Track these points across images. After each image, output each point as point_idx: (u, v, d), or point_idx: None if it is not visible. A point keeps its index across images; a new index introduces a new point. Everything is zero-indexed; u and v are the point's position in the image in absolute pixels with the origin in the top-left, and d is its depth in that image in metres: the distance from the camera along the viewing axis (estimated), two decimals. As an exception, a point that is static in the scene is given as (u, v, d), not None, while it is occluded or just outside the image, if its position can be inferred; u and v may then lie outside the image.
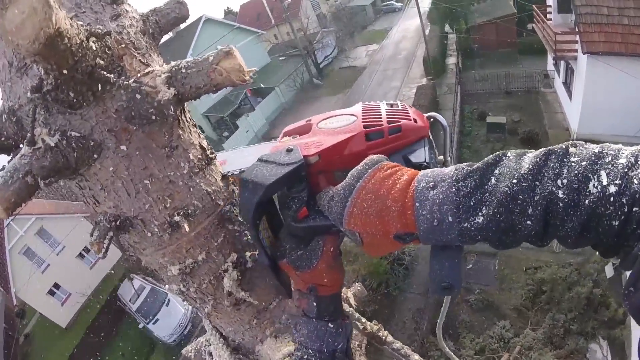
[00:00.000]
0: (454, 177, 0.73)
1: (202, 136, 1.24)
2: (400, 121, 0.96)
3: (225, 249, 1.26)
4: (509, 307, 13.03)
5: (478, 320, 12.91)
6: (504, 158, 0.72)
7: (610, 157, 0.63)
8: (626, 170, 0.60)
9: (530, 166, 0.67)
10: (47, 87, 0.84)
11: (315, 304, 1.03)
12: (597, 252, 0.70)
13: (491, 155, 0.74)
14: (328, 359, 1.00)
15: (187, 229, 1.12)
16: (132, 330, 20.74)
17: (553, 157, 0.67)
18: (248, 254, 1.31)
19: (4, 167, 0.91)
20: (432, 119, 1.07)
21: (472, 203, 0.69)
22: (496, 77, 24.93)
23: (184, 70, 0.97)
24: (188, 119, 1.17)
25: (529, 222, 0.65)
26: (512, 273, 13.81)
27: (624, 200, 0.59)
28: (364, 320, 1.89)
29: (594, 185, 0.61)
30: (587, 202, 0.61)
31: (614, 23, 15.13)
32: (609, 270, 12.65)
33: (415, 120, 0.98)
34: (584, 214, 0.62)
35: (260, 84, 32.12)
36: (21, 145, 0.99)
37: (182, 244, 1.17)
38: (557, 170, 0.65)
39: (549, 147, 0.69)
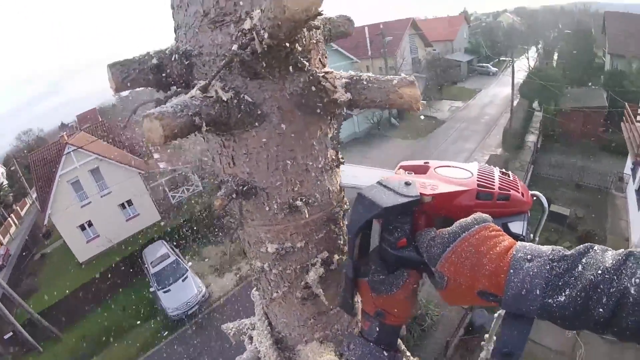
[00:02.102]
0: (550, 257, 0.79)
1: (336, 140, 1.32)
2: (510, 191, 1.02)
3: (322, 245, 1.34)
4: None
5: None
6: (591, 250, 0.78)
7: None
8: None
9: (613, 262, 0.75)
10: (252, 50, 0.92)
11: (377, 329, 1.08)
12: None
13: (582, 245, 0.81)
14: None
15: (307, 215, 1.21)
16: (141, 291, 21.26)
17: (632, 258, 0.74)
18: (337, 256, 1.38)
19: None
20: (535, 197, 1.13)
21: (560, 283, 0.76)
22: (571, 168, 24.18)
23: (364, 82, 1.09)
24: (338, 124, 1.27)
25: (601, 310, 0.72)
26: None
27: None
28: (403, 348, 1.91)
29: None
30: None
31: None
32: None
33: (522, 194, 1.04)
34: None
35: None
36: (175, 87, 1.10)
37: (290, 227, 1.26)
38: (634, 270, 0.72)
39: (630, 249, 0.76)
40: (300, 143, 1.14)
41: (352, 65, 37.12)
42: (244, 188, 1.16)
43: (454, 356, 13.59)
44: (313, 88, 1.05)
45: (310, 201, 1.23)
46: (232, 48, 0.93)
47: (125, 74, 1.09)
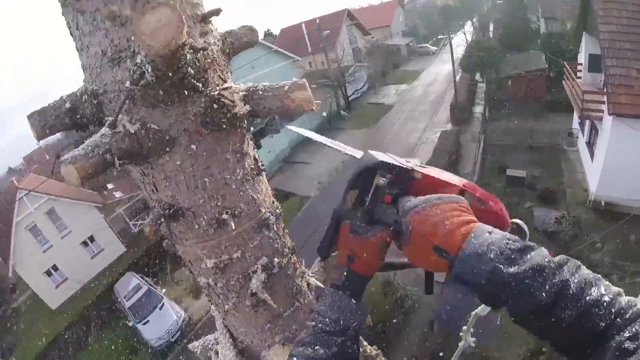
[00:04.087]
0: (507, 235, 0.92)
1: (255, 149, 1.38)
2: (488, 202, 1.15)
3: (259, 252, 1.39)
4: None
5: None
6: (539, 249, 0.90)
7: (606, 282, 0.86)
8: (617, 292, 0.83)
9: (558, 259, 0.88)
10: (145, 82, 0.95)
11: (345, 273, 1.17)
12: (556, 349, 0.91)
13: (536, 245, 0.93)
14: (341, 331, 1.07)
15: (233, 227, 1.26)
16: (120, 328, 20.71)
17: (571, 262, 0.88)
18: (277, 260, 1.44)
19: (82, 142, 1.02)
20: (514, 225, 1.24)
21: (512, 257, 0.86)
22: (520, 131, 24.98)
23: (260, 92, 1.14)
24: (247, 133, 1.33)
25: (544, 295, 0.82)
26: (516, 330, 13.49)
27: (613, 310, 0.79)
28: (365, 343, 1.97)
29: (594, 290, 0.82)
30: (587, 298, 0.81)
31: (642, 85, 15.05)
32: None
33: (500, 210, 1.17)
34: (583, 306, 0.81)
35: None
36: (91, 126, 1.15)
37: (223, 240, 1.30)
38: (574, 270, 0.86)
39: (568, 257, 0.90)
40: (214, 159, 1.19)
41: (293, 64, 37.03)
42: (170, 211, 1.20)
43: (439, 331, 13.88)
44: (215, 106, 1.10)
45: (236, 213, 1.27)
46: (126, 84, 0.97)
47: (44, 121, 1.12)
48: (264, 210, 1.38)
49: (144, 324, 18.72)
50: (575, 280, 0.83)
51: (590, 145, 20.27)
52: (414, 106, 36.95)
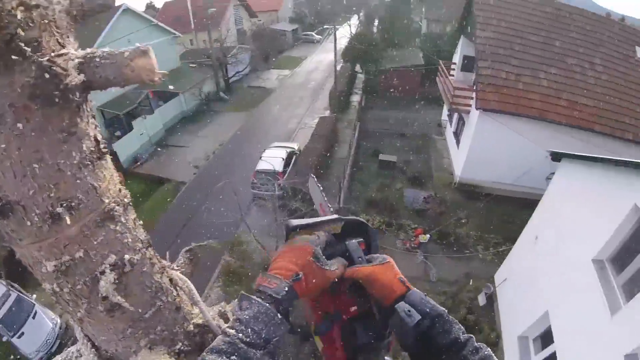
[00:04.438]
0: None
1: (98, 129, 1.16)
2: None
3: (105, 249, 1.18)
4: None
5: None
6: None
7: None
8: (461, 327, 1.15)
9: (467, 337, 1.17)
10: None
11: (286, 289, 1.12)
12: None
13: None
14: (262, 344, 1.01)
15: (68, 221, 1.04)
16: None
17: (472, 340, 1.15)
18: (128, 256, 1.24)
19: None
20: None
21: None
22: (394, 120, 26.52)
23: (98, 60, 0.95)
24: (89, 109, 1.10)
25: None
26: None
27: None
28: None
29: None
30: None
31: (509, 86, 17.07)
32: (481, 299, 13.87)
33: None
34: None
35: (169, 86, 30.74)
36: None
37: (61, 238, 1.08)
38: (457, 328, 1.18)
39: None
40: (45, 141, 0.96)
41: (173, 40, 35.15)
42: (-2, 205, 0.98)
43: None
44: (46, 75, 0.89)
45: (73, 205, 1.06)
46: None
47: None
48: (107, 201, 1.16)
49: (19, 337, 16.41)
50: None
51: (457, 134, 22.36)
52: (295, 92, 37.40)
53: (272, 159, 19.39)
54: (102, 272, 1.18)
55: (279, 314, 1.08)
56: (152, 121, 27.83)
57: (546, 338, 9.96)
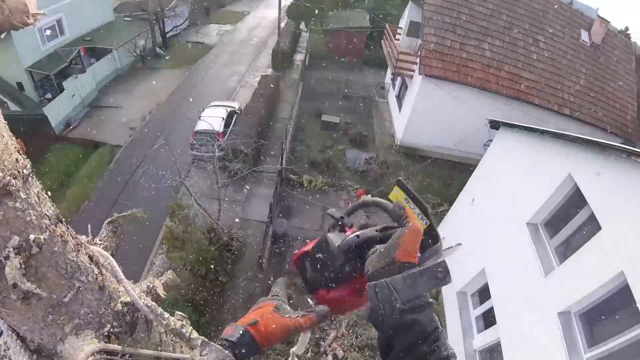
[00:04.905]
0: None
1: None
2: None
3: (5, 230, 1.00)
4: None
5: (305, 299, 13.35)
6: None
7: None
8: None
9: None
10: None
11: (241, 332, 1.13)
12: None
13: None
14: None
15: None
16: None
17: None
18: (33, 236, 1.05)
19: None
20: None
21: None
22: (338, 82, 26.42)
23: None
24: None
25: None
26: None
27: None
28: (167, 315, 1.74)
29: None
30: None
31: (453, 54, 17.42)
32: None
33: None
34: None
35: (100, 43, 28.76)
36: None
37: None
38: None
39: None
40: None
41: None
42: None
43: (269, 266, 14.34)
44: None
45: None
46: None
47: None
48: (1, 175, 0.95)
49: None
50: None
51: (399, 98, 22.65)
52: (236, 48, 36.12)
53: (212, 118, 18.80)
54: (7, 257, 1.00)
55: (234, 357, 1.10)
56: (83, 81, 25.77)
57: (483, 294, 10.58)
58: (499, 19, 18.76)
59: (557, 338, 6.81)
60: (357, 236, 1.33)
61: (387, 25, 25.05)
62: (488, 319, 10.01)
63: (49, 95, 24.50)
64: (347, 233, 1.38)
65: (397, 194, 1.45)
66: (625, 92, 18.90)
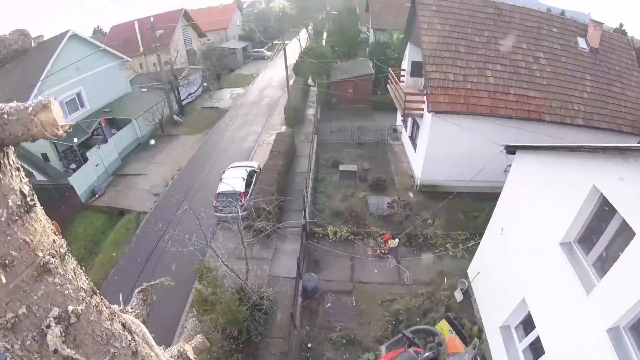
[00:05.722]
0: None
1: (24, 181, 1.10)
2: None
3: (46, 302, 1.14)
4: (370, 339, 13.39)
5: (341, 356, 13.02)
6: None
7: None
8: None
9: None
10: None
11: None
12: None
13: None
14: None
15: (3, 280, 0.97)
16: None
17: None
18: (71, 308, 1.15)
19: None
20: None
21: None
22: (350, 129, 26.79)
23: (5, 116, 0.93)
24: (11, 162, 1.01)
25: None
26: (369, 307, 14.47)
27: None
28: None
29: None
30: None
31: (458, 87, 17.63)
32: (458, 295, 14.04)
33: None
34: None
35: (120, 114, 30.12)
36: None
37: (2, 296, 1.04)
38: None
39: None
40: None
41: (122, 65, 34.37)
42: None
43: (302, 323, 14.08)
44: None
45: (7, 262, 1.01)
46: None
47: None
48: (41, 254, 1.11)
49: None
50: None
51: (413, 138, 22.79)
52: (249, 109, 37.47)
53: (233, 179, 19.18)
54: (48, 326, 1.12)
55: None
56: (106, 150, 26.89)
57: (527, 324, 10.20)
58: (496, 44, 19.00)
59: (610, 356, 6.47)
60: (433, 353, 1.52)
61: (390, 69, 25.60)
62: (536, 350, 9.59)
63: (73, 166, 25.58)
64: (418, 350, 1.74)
65: (443, 326, 1.89)
66: (633, 89, 18.67)
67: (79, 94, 28.60)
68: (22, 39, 1.07)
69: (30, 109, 0.90)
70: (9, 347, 1.13)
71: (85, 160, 25.22)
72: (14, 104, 0.92)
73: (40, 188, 23.50)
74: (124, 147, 29.27)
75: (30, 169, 23.26)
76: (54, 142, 25.48)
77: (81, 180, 24.00)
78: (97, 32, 65.04)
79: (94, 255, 20.07)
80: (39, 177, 24.31)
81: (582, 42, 19.68)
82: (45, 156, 25.49)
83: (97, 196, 24.42)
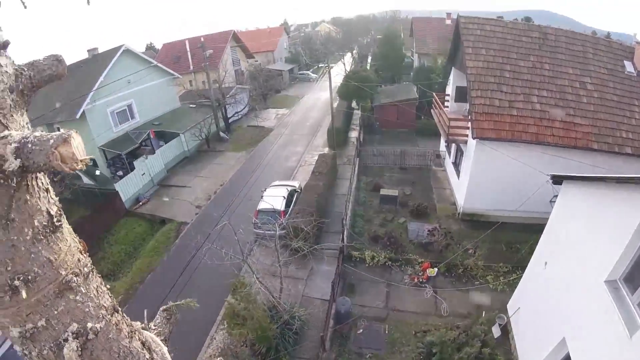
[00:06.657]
0: None
1: (52, 201, 1.18)
2: None
3: (66, 317, 1.21)
4: (400, 370, 13.03)
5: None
6: None
7: None
8: None
9: None
10: None
11: None
12: None
13: None
14: None
15: (24, 295, 1.07)
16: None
17: None
18: (90, 324, 1.22)
19: None
20: None
21: None
22: (392, 154, 26.66)
23: (30, 145, 0.99)
24: (39, 185, 1.10)
25: None
26: (402, 337, 14.12)
27: None
28: None
29: None
30: None
31: (503, 113, 17.20)
32: (495, 331, 13.50)
33: None
34: None
35: (168, 128, 31.38)
36: None
37: (23, 307, 1.13)
38: None
39: None
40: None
41: (172, 81, 35.90)
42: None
43: (332, 347, 13.91)
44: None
45: (30, 278, 1.09)
46: None
47: None
48: (64, 273, 1.19)
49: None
50: None
51: (456, 165, 22.38)
52: (294, 130, 38.11)
53: (273, 198, 19.44)
54: (66, 340, 1.19)
55: None
56: (153, 161, 28.13)
57: (566, 366, 9.63)
58: (542, 69, 18.46)
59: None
60: None
61: (434, 94, 25.44)
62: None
63: (120, 173, 26.66)
64: None
65: None
66: (684, 111, 17.62)
67: (129, 106, 30.06)
68: (56, 64, 1.15)
69: (51, 141, 0.94)
70: (27, 353, 1.20)
71: (132, 168, 26.30)
72: (38, 133, 0.98)
73: (88, 192, 25.27)
74: (170, 159, 30.52)
75: (79, 173, 24.43)
76: (103, 149, 26.70)
77: (127, 187, 25.24)
78: (150, 48, 67.78)
79: (133, 260, 20.89)
80: (86, 180, 25.47)
81: (629, 66, 18.89)
82: (94, 162, 26.84)
83: (141, 203, 25.48)
